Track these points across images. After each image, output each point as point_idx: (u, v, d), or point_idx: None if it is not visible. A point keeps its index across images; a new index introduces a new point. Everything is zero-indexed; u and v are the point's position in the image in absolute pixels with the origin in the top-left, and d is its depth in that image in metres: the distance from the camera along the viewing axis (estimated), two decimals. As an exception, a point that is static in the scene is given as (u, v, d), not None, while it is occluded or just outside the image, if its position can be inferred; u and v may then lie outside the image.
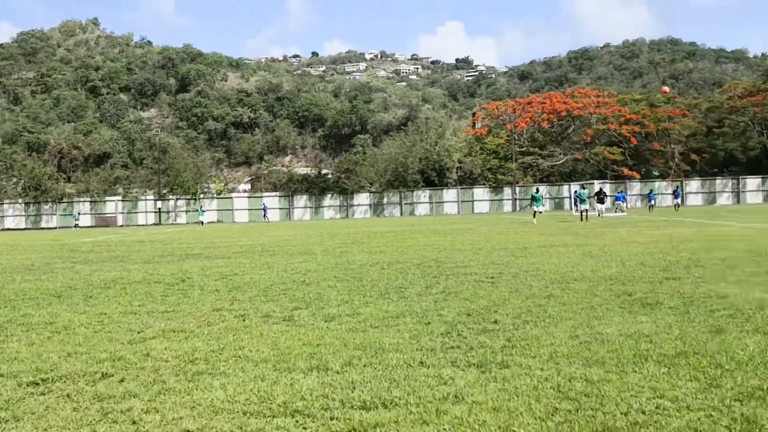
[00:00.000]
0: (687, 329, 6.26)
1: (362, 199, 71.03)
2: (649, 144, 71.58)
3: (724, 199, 68.95)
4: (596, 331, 6.33)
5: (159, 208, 70.23)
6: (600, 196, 39.70)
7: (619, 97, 79.15)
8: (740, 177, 70.55)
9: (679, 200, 50.99)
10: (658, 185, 66.81)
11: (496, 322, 6.92)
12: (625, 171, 68.64)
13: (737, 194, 69.18)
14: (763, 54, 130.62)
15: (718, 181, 70.57)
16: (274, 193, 73.05)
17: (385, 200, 70.79)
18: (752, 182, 69.87)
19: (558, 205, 68.28)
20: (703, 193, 69.66)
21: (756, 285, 9.02)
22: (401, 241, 21.77)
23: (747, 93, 73.87)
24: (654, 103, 76.97)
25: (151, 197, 71.86)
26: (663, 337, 5.96)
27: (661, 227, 24.84)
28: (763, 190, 69.44)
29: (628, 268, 11.41)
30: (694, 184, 69.62)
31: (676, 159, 70.26)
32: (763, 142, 72.82)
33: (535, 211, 35.90)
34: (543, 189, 60.86)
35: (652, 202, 50.72)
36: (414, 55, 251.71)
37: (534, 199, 37.20)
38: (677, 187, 57.40)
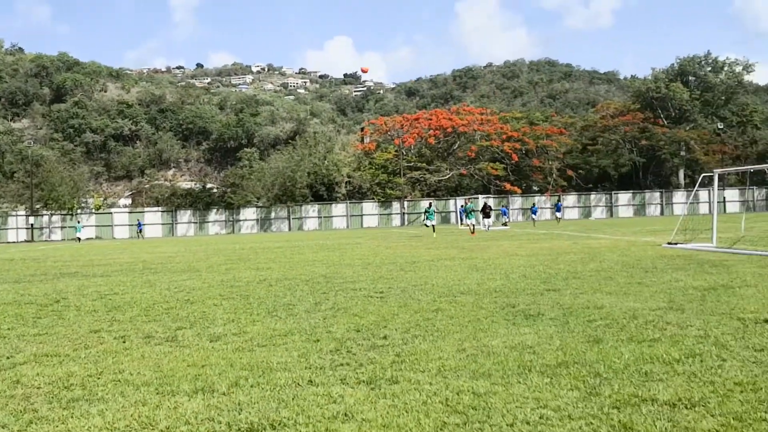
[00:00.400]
0: (567, 339, 6.51)
1: (249, 213, 69.93)
2: (529, 160, 74.59)
3: (599, 213, 72.71)
4: (482, 343, 6.46)
5: (31, 224, 66.38)
6: (486, 211, 40.88)
7: (501, 115, 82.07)
8: (613, 192, 74.72)
9: (560, 214, 53.22)
10: (538, 199, 69.59)
11: (385, 337, 6.95)
12: (507, 186, 71.16)
13: (610, 208, 73.15)
14: (632, 76, 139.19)
15: (592, 196, 74.35)
16: (156, 208, 70.75)
17: (272, 215, 70.02)
18: (623, 197, 74.16)
19: (445, 219, 69.80)
20: (579, 207, 73.17)
21: (629, 295, 9.52)
22: (289, 256, 21.59)
23: (618, 113, 78.52)
24: (533, 121, 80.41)
25: (23, 212, 67.83)
26: (545, 347, 6.17)
27: (541, 240, 25.85)
28: (633, 204, 73.78)
29: (511, 281, 11.78)
30: (570, 199, 73.00)
31: (554, 174, 73.58)
32: (633, 158, 77.45)
33: (431, 225, 36.67)
34: (441, 204, 62.06)
35: (535, 216, 52.72)
36: (302, 69, 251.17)
37: (427, 213, 38.01)
38: (558, 201, 59.98)
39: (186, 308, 9.83)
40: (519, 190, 71.81)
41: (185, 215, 69.62)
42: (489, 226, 40.38)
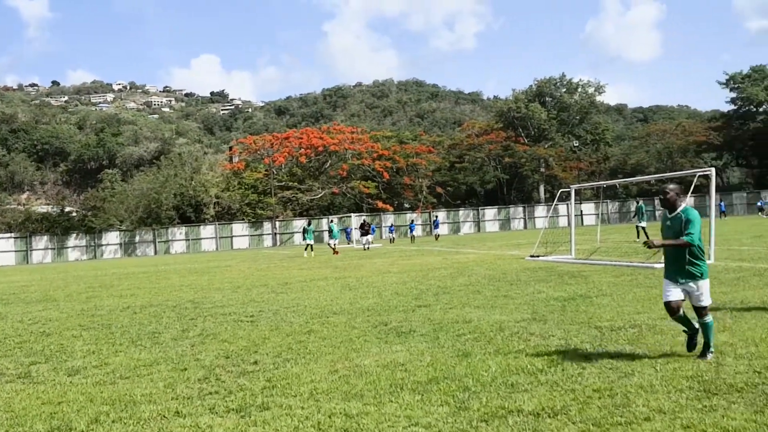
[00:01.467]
0: (438, 355, 6.61)
1: (112, 238, 66.75)
2: (400, 178, 75.89)
3: (467, 228, 74.98)
4: (355, 363, 6.45)
5: None
6: (364, 229, 41.10)
7: (372, 133, 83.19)
8: (479, 207, 77.43)
9: (439, 230, 54.37)
10: (409, 216, 70.87)
11: (256, 362, 6.80)
12: (380, 204, 72.00)
13: (478, 223, 75.66)
14: (495, 96, 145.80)
15: (461, 212, 76.65)
16: (8, 234, 66.14)
17: (137, 239, 67.19)
18: (490, 212, 76.98)
19: (317, 239, 69.57)
20: (449, 223, 75.15)
21: (495, 308, 9.83)
22: (155, 282, 20.77)
23: (483, 132, 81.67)
24: (403, 140, 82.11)
25: None
26: (416, 364, 6.23)
27: (413, 257, 26.31)
28: (498, 219, 76.70)
29: (384, 299, 11.87)
30: (440, 215, 74.80)
31: (425, 192, 75.25)
32: (497, 175, 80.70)
33: (308, 244, 36.30)
34: (314, 223, 61.53)
35: (413, 232, 53.61)
36: (167, 87, 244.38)
37: (305, 232, 37.59)
38: (437, 217, 61.27)
39: (41, 341, 9.22)
40: (391, 208, 72.86)
41: (41, 241, 65.53)
42: (369, 244, 40.53)
